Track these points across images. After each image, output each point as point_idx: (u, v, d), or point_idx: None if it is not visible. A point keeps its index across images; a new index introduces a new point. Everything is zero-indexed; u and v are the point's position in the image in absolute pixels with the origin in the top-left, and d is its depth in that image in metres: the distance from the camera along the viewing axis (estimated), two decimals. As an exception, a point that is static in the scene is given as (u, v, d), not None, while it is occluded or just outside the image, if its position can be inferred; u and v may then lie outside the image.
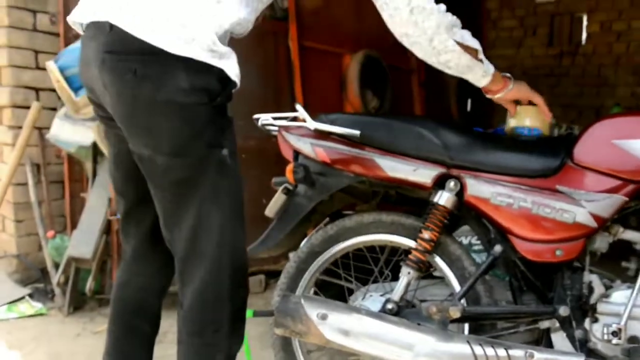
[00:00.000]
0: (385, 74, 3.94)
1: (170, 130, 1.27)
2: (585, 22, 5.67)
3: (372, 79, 3.83)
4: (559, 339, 1.60)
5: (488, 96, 1.69)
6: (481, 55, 1.54)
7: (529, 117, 1.76)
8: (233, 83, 1.35)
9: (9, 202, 3.13)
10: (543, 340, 1.65)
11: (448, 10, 1.47)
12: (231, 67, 1.31)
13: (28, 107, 3.00)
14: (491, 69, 1.58)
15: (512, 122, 1.78)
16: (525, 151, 1.67)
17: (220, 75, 1.29)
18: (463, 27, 1.53)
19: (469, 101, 5.39)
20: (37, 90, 3.10)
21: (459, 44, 1.45)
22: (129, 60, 1.23)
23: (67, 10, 3.01)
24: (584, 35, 5.70)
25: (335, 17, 3.69)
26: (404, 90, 4.37)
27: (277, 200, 1.83)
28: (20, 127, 3.01)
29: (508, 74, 1.66)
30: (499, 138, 1.78)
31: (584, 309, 1.59)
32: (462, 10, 5.66)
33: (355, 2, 3.82)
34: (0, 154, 3.24)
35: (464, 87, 5.25)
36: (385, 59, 3.95)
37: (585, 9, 5.64)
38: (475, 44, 1.51)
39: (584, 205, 1.55)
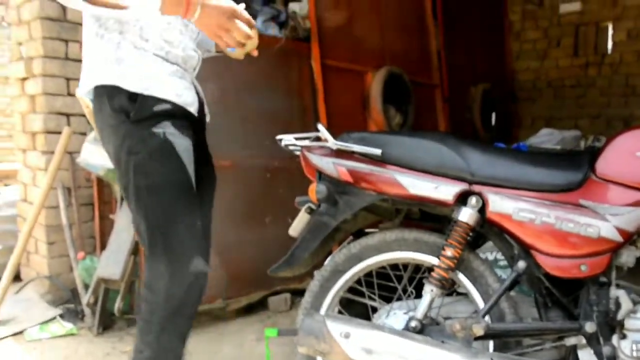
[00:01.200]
0: (408, 90, 3.96)
1: (110, 147, 1.58)
2: (611, 31, 5.60)
3: (395, 95, 3.85)
4: (586, 356, 1.58)
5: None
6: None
7: None
8: (148, 98, 1.52)
9: (41, 225, 3.22)
10: (570, 358, 1.62)
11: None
12: (129, 81, 1.51)
13: (60, 133, 3.09)
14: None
15: None
16: (547, 166, 1.66)
17: (128, 94, 1.51)
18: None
19: (494, 115, 5.37)
20: (68, 115, 3.19)
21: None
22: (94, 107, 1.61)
23: (96, 38, 3.11)
24: (610, 45, 5.62)
25: (357, 35, 3.73)
26: (427, 105, 4.38)
27: (301, 219, 1.86)
28: (52, 152, 3.10)
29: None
30: (521, 153, 1.78)
31: (612, 325, 1.56)
32: (484, 24, 5.67)
33: (376, 20, 3.86)
34: (33, 178, 3.34)
35: (488, 101, 5.27)
36: (408, 75, 3.97)
37: (611, 18, 5.57)
38: None
39: (608, 219, 1.54)
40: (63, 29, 3.11)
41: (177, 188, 1.55)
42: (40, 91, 3.10)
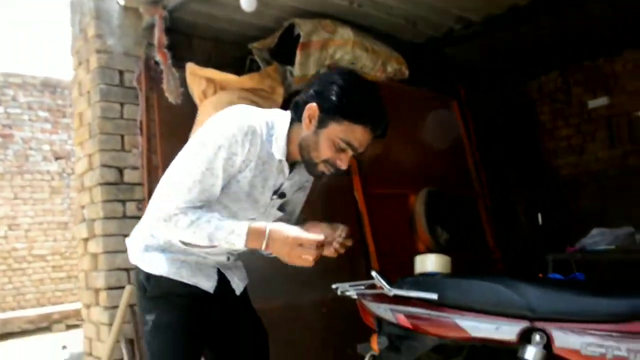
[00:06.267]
0: (451, 206, 4.01)
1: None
2: (643, 121, 5.62)
3: (439, 213, 3.90)
4: None
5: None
6: (217, 239, 1.55)
7: (430, 264, 1.99)
8: (159, 278, 1.68)
9: (108, 380, 3.27)
10: None
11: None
12: (154, 267, 1.70)
13: (121, 287, 3.22)
14: (238, 237, 1.53)
15: (418, 269, 2.01)
16: (611, 294, 1.64)
17: (145, 274, 1.70)
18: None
19: (539, 216, 5.33)
20: (128, 270, 3.33)
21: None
22: None
23: (150, 197, 3.32)
24: (645, 133, 5.62)
25: (395, 160, 3.85)
26: (472, 217, 4.40)
27: (365, 369, 1.86)
28: (114, 307, 3.22)
29: (265, 232, 1.53)
30: (581, 284, 1.78)
31: None
32: (517, 128, 5.74)
33: (412, 145, 4.01)
34: (97, 332, 3.44)
35: (532, 202, 5.25)
36: (449, 190, 4.04)
37: (642, 107, 5.62)
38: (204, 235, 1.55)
39: (686, 348, 1.49)
40: (120, 191, 3.34)
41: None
42: (102, 250, 3.28)
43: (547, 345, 1.62)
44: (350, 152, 1.60)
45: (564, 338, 1.60)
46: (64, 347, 5.06)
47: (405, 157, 3.91)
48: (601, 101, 5.84)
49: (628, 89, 5.68)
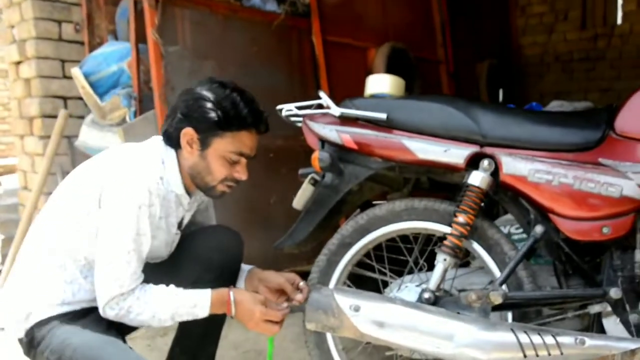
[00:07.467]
0: (412, 66, 3.84)
1: None
2: (620, 1, 5.44)
3: (399, 71, 3.73)
4: (612, 324, 1.50)
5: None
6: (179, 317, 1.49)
7: (383, 84, 1.90)
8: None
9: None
10: (594, 327, 1.54)
11: None
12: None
13: (57, 117, 3.01)
14: (202, 309, 1.49)
15: (370, 90, 1.87)
16: (563, 124, 1.57)
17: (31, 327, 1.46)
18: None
19: (501, 91, 5.25)
20: (65, 99, 3.12)
21: None
22: None
23: (90, 19, 3.03)
24: (620, 15, 5.47)
25: (359, 10, 3.61)
26: (433, 81, 4.26)
27: (304, 191, 1.77)
28: (50, 137, 3.02)
29: (230, 300, 1.50)
30: (534, 112, 1.69)
31: (638, 291, 1.47)
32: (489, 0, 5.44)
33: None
34: (32, 164, 3.27)
35: (495, 77, 5.14)
36: (412, 51, 3.85)
37: (620, -12, 5.42)
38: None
39: (631, 178, 1.45)
40: (55, 9, 3.02)
41: None
42: (35, 74, 3.03)
43: (495, 172, 1.56)
44: (244, 161, 1.55)
45: (513, 164, 1.53)
46: (-1, 184, 4.90)
47: (370, 8, 3.67)
48: (580, -23, 5.60)
49: (609, -34, 5.45)
